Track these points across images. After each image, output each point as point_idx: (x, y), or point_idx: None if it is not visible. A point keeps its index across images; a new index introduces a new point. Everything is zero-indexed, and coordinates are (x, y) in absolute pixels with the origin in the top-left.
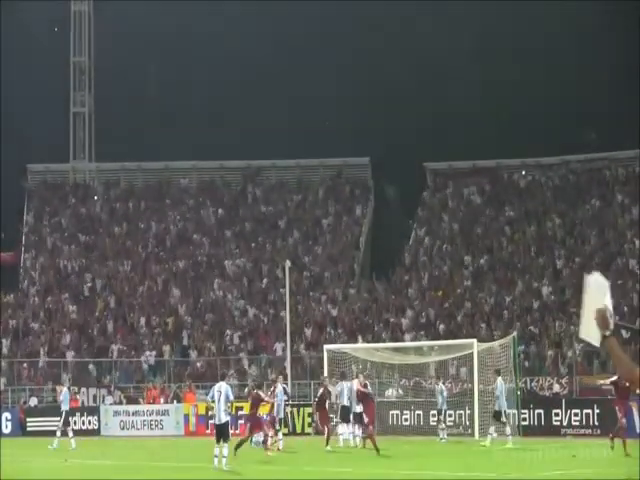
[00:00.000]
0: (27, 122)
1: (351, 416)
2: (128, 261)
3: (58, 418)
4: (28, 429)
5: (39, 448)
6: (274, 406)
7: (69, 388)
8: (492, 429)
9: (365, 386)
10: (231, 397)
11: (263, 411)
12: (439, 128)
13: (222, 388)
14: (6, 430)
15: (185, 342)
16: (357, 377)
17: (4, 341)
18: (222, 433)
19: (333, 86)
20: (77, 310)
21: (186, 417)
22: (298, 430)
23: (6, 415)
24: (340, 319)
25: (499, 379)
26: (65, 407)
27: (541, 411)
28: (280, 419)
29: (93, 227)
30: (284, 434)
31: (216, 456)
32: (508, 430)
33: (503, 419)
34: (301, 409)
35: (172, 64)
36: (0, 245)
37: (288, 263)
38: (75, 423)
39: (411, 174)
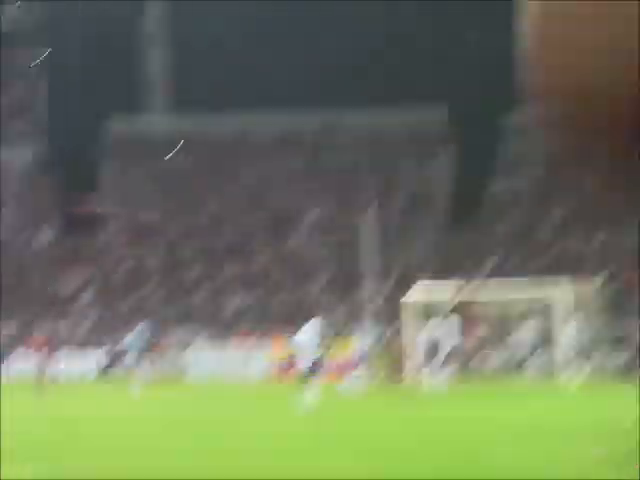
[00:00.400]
0: (107, 74)
1: None
2: (205, 212)
3: None
4: None
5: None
6: None
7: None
8: None
9: None
10: (320, 341)
11: None
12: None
13: (310, 332)
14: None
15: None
16: None
17: (84, 293)
18: (309, 377)
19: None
20: (156, 260)
21: (273, 363)
22: None
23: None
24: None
25: None
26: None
27: None
28: None
29: (172, 180)
30: None
31: (304, 400)
32: None
33: None
34: None
35: (252, 15)
36: (82, 197)
37: (367, 215)
38: None
39: (487, 122)
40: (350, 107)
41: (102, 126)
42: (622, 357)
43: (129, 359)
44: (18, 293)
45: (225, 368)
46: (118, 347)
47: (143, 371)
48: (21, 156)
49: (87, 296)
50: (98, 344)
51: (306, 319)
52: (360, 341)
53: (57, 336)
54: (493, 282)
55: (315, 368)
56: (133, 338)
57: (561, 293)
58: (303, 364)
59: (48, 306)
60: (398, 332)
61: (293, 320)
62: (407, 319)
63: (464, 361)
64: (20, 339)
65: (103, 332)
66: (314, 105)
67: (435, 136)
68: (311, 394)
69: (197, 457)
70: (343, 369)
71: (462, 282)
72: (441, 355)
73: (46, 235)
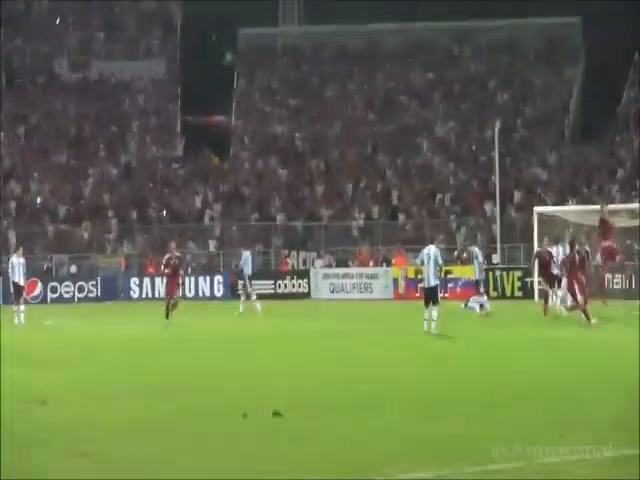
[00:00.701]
0: None
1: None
2: (337, 124)
3: (270, 281)
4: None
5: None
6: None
7: (252, 252)
8: None
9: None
10: (440, 261)
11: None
12: None
13: (431, 251)
14: (218, 294)
15: (394, 205)
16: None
17: (215, 206)
18: (431, 297)
19: None
20: (287, 174)
21: (395, 281)
22: (507, 294)
23: (218, 278)
24: (550, 182)
25: None
26: (247, 271)
27: None
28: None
29: (302, 90)
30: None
31: (426, 320)
32: None
33: None
34: (510, 272)
35: None
36: (212, 110)
37: (498, 125)
38: (285, 286)
39: (620, 34)
40: (483, 16)
41: (234, 37)
42: None
43: (247, 279)
44: (145, 211)
45: (348, 288)
46: (241, 266)
47: (260, 291)
48: (154, 68)
49: (215, 213)
50: (225, 263)
51: (431, 237)
52: (481, 261)
53: (184, 256)
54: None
55: (435, 287)
56: (243, 261)
57: None
58: (424, 283)
59: (176, 224)
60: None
61: (419, 238)
62: (540, 236)
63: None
64: (145, 259)
65: (231, 250)
66: (446, 14)
67: (568, 48)
68: (435, 312)
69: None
70: (467, 289)
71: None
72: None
73: (176, 149)
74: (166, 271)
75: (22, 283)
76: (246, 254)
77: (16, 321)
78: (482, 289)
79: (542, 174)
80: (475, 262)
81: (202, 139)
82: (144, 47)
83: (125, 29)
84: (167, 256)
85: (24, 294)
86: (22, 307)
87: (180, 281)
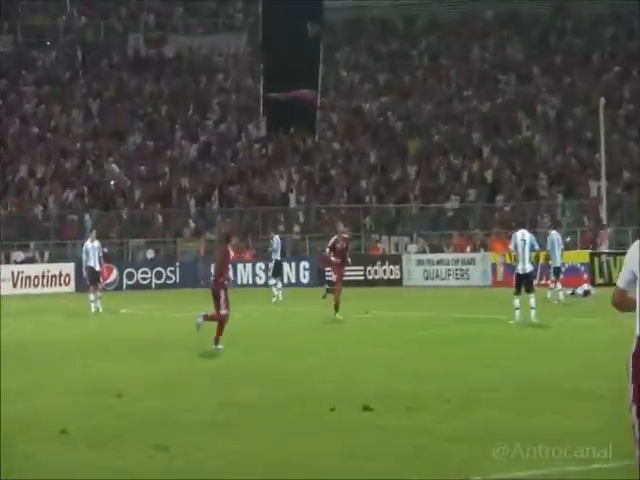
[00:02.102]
0: None
1: None
2: (431, 101)
3: (360, 267)
4: (326, 278)
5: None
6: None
7: (280, 237)
8: None
9: None
10: (536, 246)
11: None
12: None
13: (526, 236)
14: (304, 280)
15: (491, 186)
16: None
17: (301, 188)
18: (527, 284)
19: None
20: (377, 154)
21: (493, 266)
22: (615, 281)
23: (304, 264)
24: None
25: None
26: (276, 257)
27: None
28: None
29: (393, 64)
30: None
31: (517, 308)
32: None
33: None
34: (618, 258)
35: None
36: (296, 86)
37: (603, 100)
38: (376, 272)
39: None
40: None
41: (320, 9)
42: None
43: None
44: (227, 194)
45: (443, 274)
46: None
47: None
48: (236, 41)
49: (300, 196)
50: (312, 248)
51: (522, 222)
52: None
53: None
54: None
55: (530, 274)
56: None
57: None
58: (518, 269)
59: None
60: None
61: (518, 221)
62: None
63: None
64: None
65: (317, 234)
66: None
67: None
68: (533, 299)
69: None
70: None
71: None
72: None
73: (259, 129)
74: (332, 258)
75: (98, 268)
76: (277, 239)
77: (93, 309)
78: (559, 277)
79: None
80: (556, 248)
81: (286, 117)
82: (223, 20)
83: (203, 1)
84: (334, 239)
85: (101, 280)
86: (99, 294)
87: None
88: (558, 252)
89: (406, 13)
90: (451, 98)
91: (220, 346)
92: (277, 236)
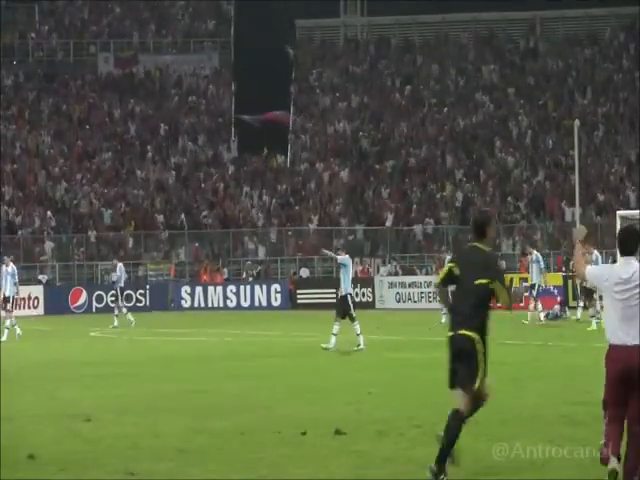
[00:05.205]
0: None
1: None
2: (404, 123)
3: (331, 290)
4: (298, 302)
5: (310, 321)
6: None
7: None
8: None
9: None
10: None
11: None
12: None
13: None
14: (275, 303)
15: (463, 209)
16: None
17: (272, 210)
18: None
19: None
20: (349, 175)
21: None
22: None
23: (275, 287)
24: (634, 183)
25: None
26: (120, 284)
27: None
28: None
29: (365, 86)
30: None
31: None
32: None
33: None
34: None
35: None
36: (268, 105)
37: (577, 123)
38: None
39: None
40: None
41: (290, 29)
42: None
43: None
44: (197, 216)
45: (416, 297)
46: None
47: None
48: (208, 61)
49: (271, 218)
50: (283, 271)
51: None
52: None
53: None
54: None
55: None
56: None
57: None
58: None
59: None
60: None
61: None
62: None
63: None
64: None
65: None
66: (519, 4)
67: None
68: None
69: None
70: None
71: None
72: None
73: (231, 149)
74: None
75: (7, 293)
76: (120, 266)
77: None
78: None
79: (625, 175)
80: (534, 266)
81: (258, 138)
82: (194, 40)
83: (174, 20)
84: None
85: (8, 307)
86: (13, 320)
87: None
88: (537, 270)
89: (380, 34)
90: (424, 119)
91: None
92: (120, 263)
